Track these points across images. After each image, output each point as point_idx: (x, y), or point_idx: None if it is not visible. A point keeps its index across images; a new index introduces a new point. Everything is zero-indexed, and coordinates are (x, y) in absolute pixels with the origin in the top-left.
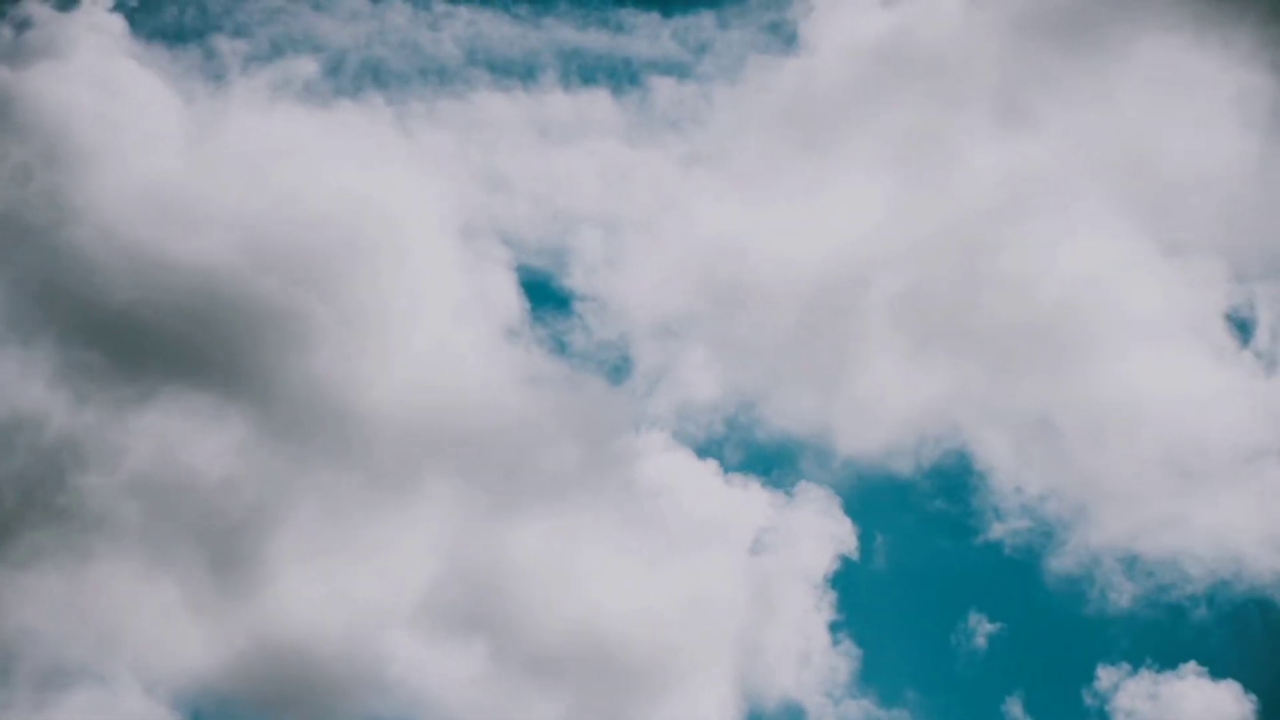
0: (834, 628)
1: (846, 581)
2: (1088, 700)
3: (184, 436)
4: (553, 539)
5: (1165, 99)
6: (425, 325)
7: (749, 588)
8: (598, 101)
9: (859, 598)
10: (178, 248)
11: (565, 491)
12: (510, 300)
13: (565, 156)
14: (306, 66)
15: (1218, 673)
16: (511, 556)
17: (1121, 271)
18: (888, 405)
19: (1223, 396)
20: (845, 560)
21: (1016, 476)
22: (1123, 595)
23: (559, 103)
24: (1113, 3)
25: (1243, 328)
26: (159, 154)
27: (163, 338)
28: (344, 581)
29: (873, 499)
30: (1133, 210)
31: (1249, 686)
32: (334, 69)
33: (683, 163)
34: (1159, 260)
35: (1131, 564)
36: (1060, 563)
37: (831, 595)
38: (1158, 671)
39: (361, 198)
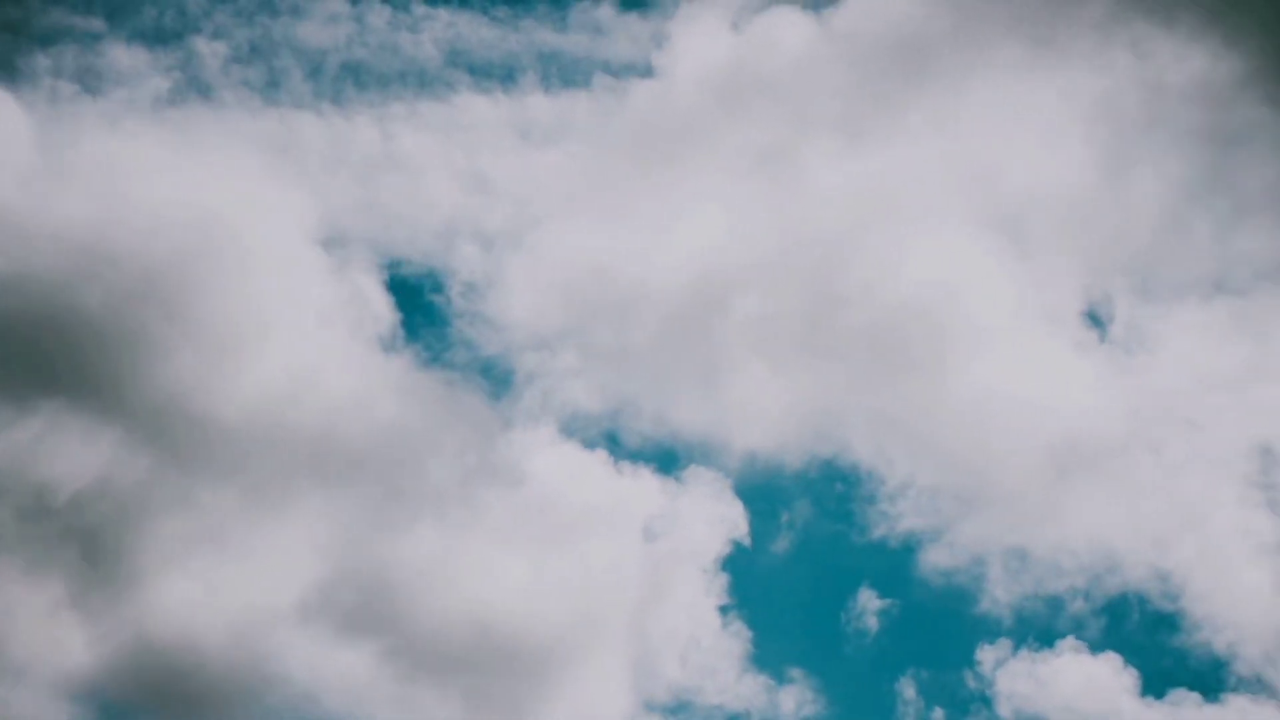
0: (725, 610)
1: (737, 565)
2: (970, 682)
3: (48, 445)
4: (440, 539)
5: (1008, 117)
6: (293, 336)
7: (641, 574)
8: (478, 107)
9: (750, 581)
10: (29, 261)
11: (450, 493)
12: (383, 312)
13: (441, 167)
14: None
15: (1097, 647)
16: (399, 557)
17: (978, 276)
18: (762, 407)
19: (1086, 391)
20: (736, 544)
21: (896, 473)
22: (1000, 585)
23: (471, 108)
24: (956, 28)
25: (1100, 324)
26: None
27: (19, 350)
28: (225, 585)
29: (761, 487)
30: (984, 221)
31: (1129, 660)
32: (314, 70)
33: (556, 177)
34: (1013, 264)
35: (1010, 556)
36: (941, 553)
37: (723, 579)
38: (1036, 650)
39: (220, 209)
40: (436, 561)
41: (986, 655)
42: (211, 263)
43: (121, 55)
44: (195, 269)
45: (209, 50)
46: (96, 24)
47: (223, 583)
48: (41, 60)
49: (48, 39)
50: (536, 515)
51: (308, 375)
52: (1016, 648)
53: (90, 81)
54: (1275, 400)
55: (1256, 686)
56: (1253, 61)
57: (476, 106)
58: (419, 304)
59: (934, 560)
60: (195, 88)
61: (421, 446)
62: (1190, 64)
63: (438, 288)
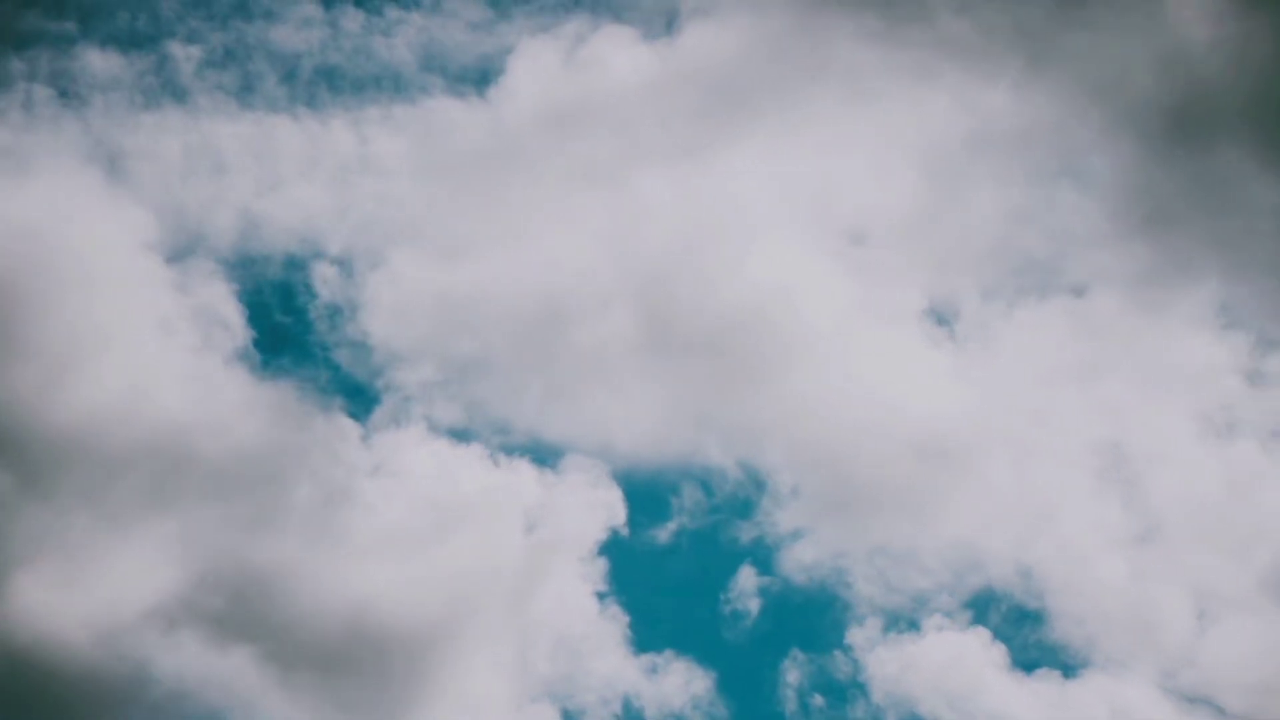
0: (603, 596)
1: (616, 552)
2: (844, 666)
3: None
4: (309, 543)
5: (840, 145)
6: (136, 349)
7: (520, 564)
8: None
9: (629, 567)
10: None
11: (317, 496)
12: (238, 326)
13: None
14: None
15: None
16: (268, 562)
17: (821, 283)
18: (621, 414)
19: (937, 391)
20: (614, 532)
21: (761, 473)
22: (867, 580)
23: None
24: (788, 62)
25: (945, 323)
26: None
27: None
28: (83, 593)
29: (636, 478)
30: (822, 233)
31: (997, 635)
32: (289, 75)
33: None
34: (855, 271)
35: (875, 553)
36: (807, 550)
37: (602, 565)
38: (904, 633)
39: (55, 224)
40: (307, 565)
41: (858, 640)
42: (47, 278)
43: (95, 59)
44: (30, 284)
45: (183, 54)
46: (69, 28)
47: (80, 591)
48: (16, 64)
49: (21, 43)
50: (410, 513)
51: (156, 387)
52: (886, 632)
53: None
54: (1115, 396)
55: (1114, 667)
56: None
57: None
58: (275, 317)
59: (800, 556)
60: (170, 91)
61: (283, 452)
62: (1007, 107)
63: (295, 301)
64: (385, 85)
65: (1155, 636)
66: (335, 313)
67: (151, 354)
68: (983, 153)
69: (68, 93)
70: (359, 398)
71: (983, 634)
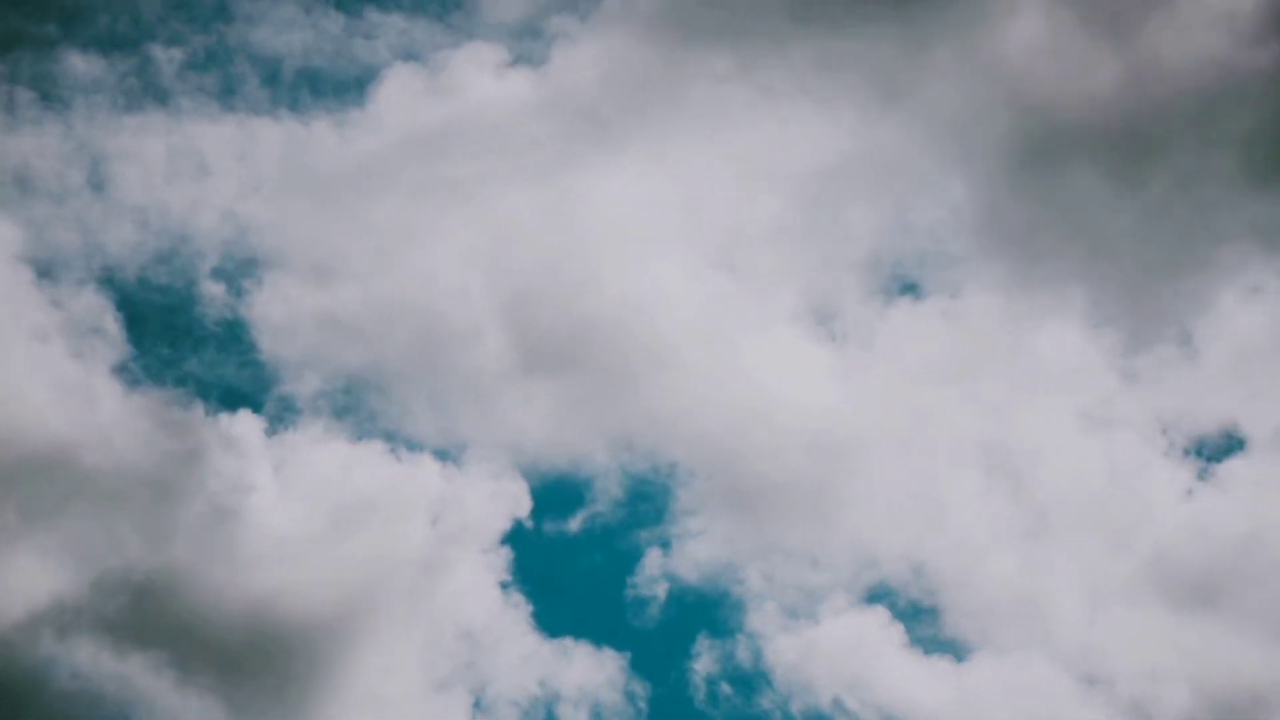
0: (507, 586)
1: (521, 542)
2: (747, 652)
3: None
4: (208, 545)
5: (710, 165)
6: (18, 363)
7: (425, 556)
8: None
9: (534, 557)
10: None
11: (210, 501)
12: (117, 337)
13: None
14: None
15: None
16: (168, 566)
17: (704, 289)
18: (517, 421)
19: (825, 391)
20: (519, 523)
21: (659, 475)
22: (761, 575)
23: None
24: (659, 84)
25: (824, 324)
26: None
27: None
28: None
29: (540, 475)
30: (700, 242)
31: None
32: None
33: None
34: (736, 276)
35: (769, 549)
36: (702, 547)
37: (507, 554)
38: (800, 621)
39: None
40: (203, 568)
41: (759, 628)
42: None
43: (77, 62)
44: None
45: (165, 56)
46: (51, 30)
47: None
48: None
49: (3, 45)
50: (309, 513)
51: (34, 400)
52: (786, 620)
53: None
54: (994, 395)
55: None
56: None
57: None
58: (157, 327)
59: (699, 550)
60: (152, 94)
61: (173, 459)
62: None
63: (177, 311)
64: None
65: (1046, 625)
66: (218, 322)
67: (28, 367)
68: (843, 176)
69: (50, 95)
70: (249, 404)
71: (881, 617)
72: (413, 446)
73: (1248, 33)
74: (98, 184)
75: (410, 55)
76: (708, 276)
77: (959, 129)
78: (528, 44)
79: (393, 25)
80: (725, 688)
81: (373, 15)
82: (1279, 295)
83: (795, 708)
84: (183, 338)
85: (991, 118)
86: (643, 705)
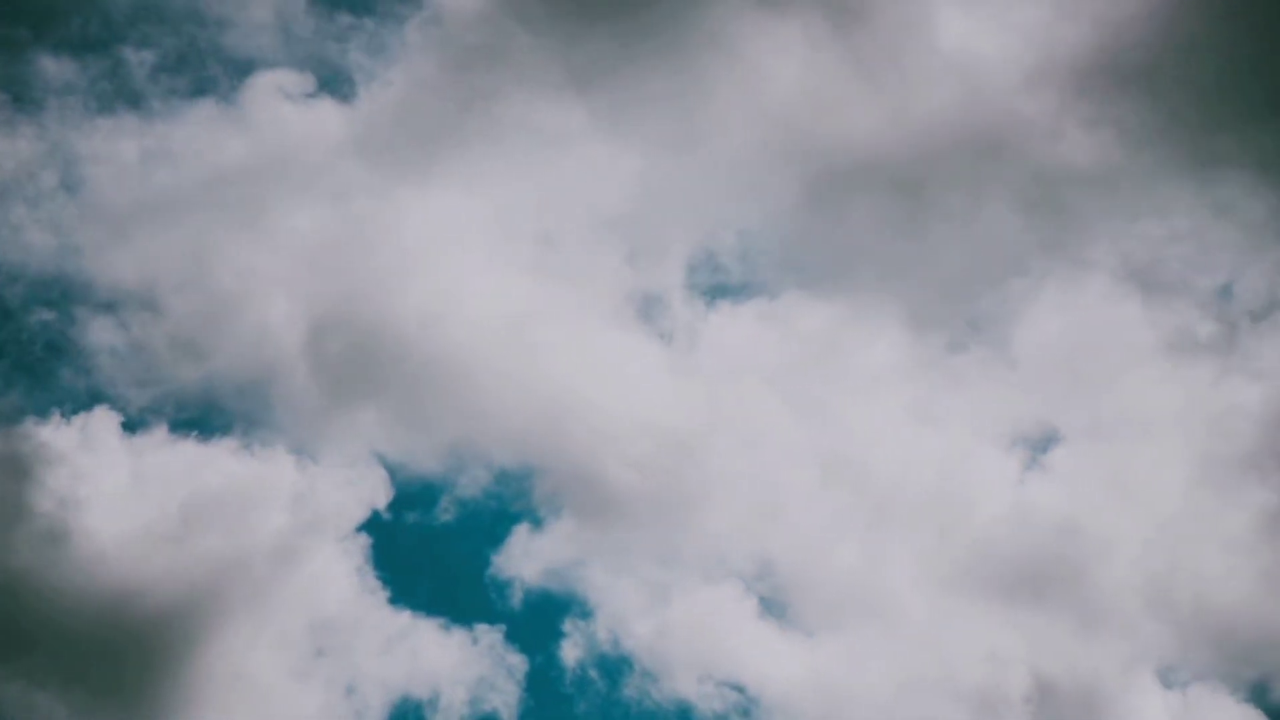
0: (366, 573)
1: (379, 531)
2: (606, 635)
3: None
4: (51, 548)
5: (525, 181)
6: None
7: (281, 547)
8: None
9: (394, 544)
10: None
11: (50, 503)
12: None
13: None
14: None
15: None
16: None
17: (537, 297)
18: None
19: (662, 391)
20: (376, 512)
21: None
22: (608, 571)
23: None
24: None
25: (649, 317)
26: None
27: None
28: None
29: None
30: (525, 249)
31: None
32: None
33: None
34: (563, 279)
35: (616, 548)
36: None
37: (364, 541)
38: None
39: None
40: (47, 571)
41: (612, 620)
42: None
43: (49, 64)
44: None
45: (136, 59)
46: (23, 33)
47: None
48: None
49: None
50: (160, 509)
51: None
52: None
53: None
54: (822, 393)
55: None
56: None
57: None
58: None
59: (550, 546)
60: (124, 96)
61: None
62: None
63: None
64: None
65: (888, 611)
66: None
67: None
68: (647, 201)
69: (23, 98)
70: (89, 408)
71: (732, 605)
72: (266, 443)
73: (1009, 81)
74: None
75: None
76: (527, 284)
77: (746, 168)
78: (332, 72)
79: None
80: (590, 672)
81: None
82: (1075, 304)
83: (656, 689)
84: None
85: (775, 158)
86: (513, 684)
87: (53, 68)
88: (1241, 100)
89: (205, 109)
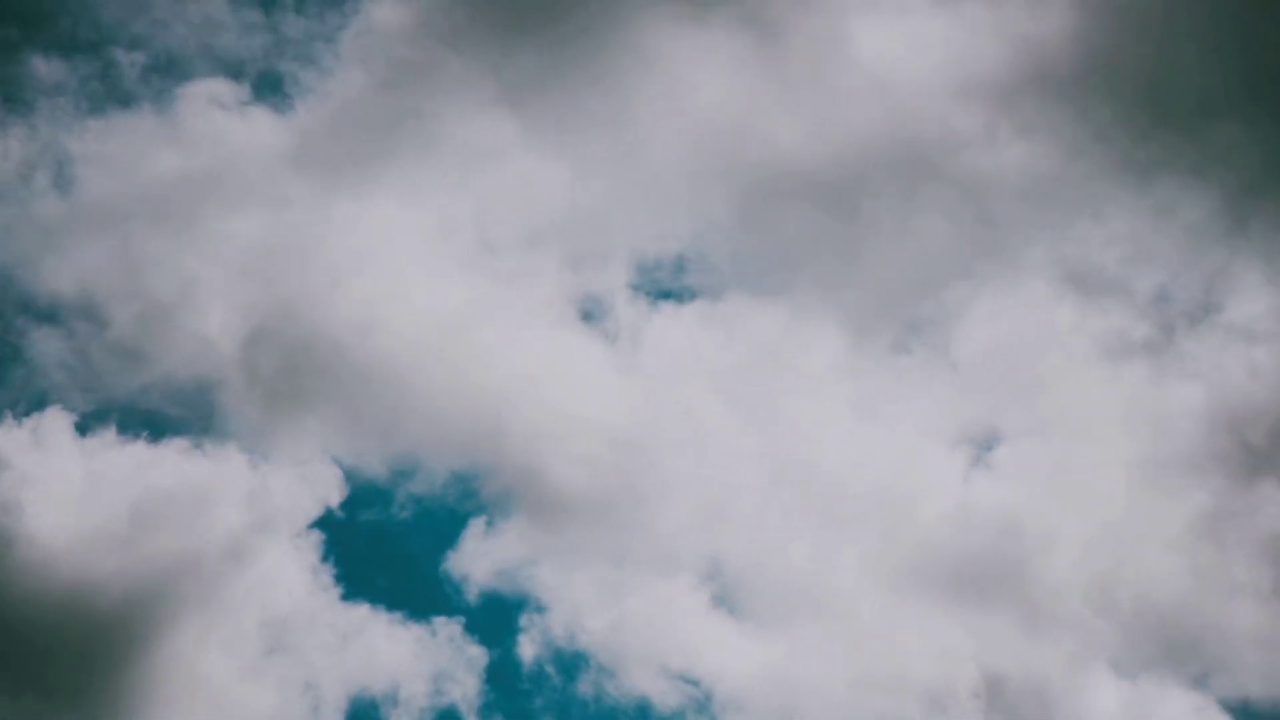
0: (317, 570)
1: (331, 528)
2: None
3: None
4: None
5: (464, 190)
6: None
7: (232, 544)
8: None
9: (345, 541)
10: None
11: None
12: None
13: None
14: None
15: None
16: None
17: (476, 299)
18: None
19: (610, 391)
20: (329, 511)
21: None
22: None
23: None
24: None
25: (593, 319)
26: None
27: None
28: None
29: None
30: (465, 254)
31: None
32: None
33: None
34: (506, 283)
35: (567, 549)
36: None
37: (317, 538)
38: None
39: None
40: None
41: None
42: None
43: (40, 66)
44: None
45: (127, 60)
46: (13, 34)
47: None
48: None
49: None
50: (110, 510)
51: None
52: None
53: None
54: (763, 389)
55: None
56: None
57: None
58: None
59: (504, 544)
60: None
61: None
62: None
63: None
64: None
65: (839, 612)
66: None
67: None
68: (589, 204)
69: (14, 99)
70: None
71: (684, 601)
72: (217, 443)
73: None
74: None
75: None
76: (466, 289)
77: (678, 179)
78: (267, 82)
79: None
80: (547, 668)
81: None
82: (1013, 308)
83: (613, 684)
84: None
85: (705, 170)
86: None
87: (44, 69)
88: (1177, 104)
89: (140, 118)
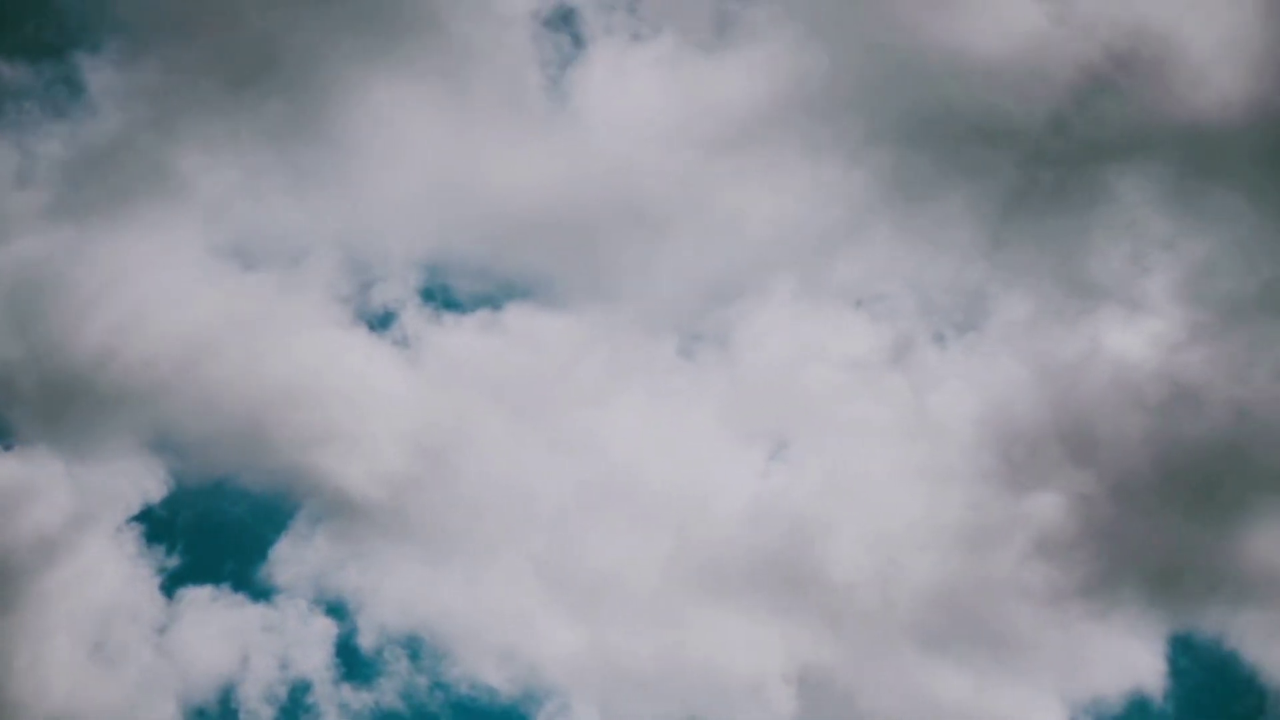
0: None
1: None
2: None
3: None
4: None
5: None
6: None
7: (47, 543)
8: None
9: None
10: None
11: None
12: None
13: None
14: None
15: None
16: None
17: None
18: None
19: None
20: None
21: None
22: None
23: None
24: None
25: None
26: None
27: None
28: None
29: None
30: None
31: None
32: None
33: None
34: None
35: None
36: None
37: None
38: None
39: None
40: None
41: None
42: None
43: (3, 69)
44: None
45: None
46: None
47: None
48: None
49: None
50: None
51: None
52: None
53: None
54: (553, 395)
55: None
56: None
57: None
58: None
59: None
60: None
61: None
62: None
63: None
64: None
65: (650, 608)
66: None
67: None
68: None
69: None
70: None
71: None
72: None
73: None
74: None
75: None
76: (233, 303)
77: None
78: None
79: None
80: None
81: None
82: (795, 318)
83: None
84: None
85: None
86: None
87: (7, 72)
88: (945, 125)
89: None
